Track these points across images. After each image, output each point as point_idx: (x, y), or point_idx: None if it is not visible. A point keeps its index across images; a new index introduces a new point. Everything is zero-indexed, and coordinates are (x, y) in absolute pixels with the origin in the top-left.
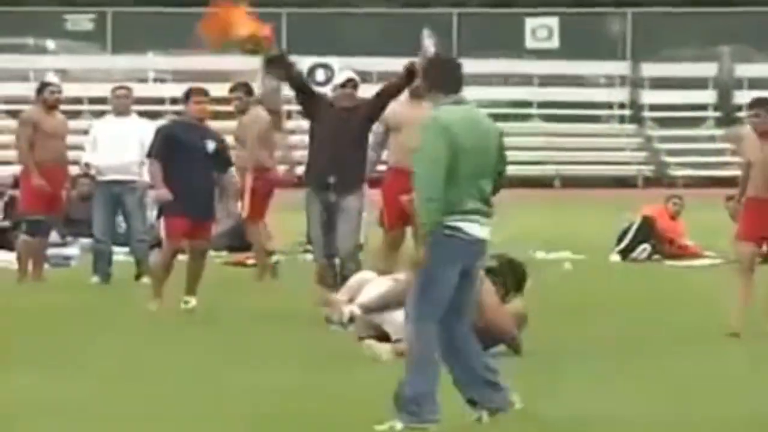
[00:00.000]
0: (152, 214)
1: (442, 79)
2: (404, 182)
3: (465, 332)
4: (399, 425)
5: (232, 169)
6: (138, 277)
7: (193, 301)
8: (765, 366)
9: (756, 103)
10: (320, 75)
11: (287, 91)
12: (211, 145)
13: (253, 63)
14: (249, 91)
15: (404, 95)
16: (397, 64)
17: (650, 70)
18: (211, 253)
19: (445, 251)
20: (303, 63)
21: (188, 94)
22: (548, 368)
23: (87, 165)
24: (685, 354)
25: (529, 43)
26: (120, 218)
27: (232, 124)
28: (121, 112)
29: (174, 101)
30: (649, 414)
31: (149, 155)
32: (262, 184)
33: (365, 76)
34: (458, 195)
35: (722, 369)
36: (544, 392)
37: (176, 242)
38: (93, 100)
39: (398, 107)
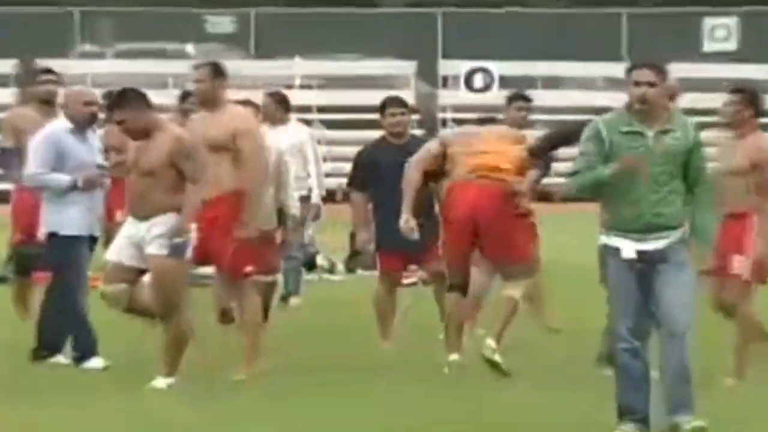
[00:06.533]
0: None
1: None
2: None
3: None
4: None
5: None
6: None
7: None
8: None
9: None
10: (478, 81)
11: (444, 98)
12: None
13: (405, 67)
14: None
15: None
16: (561, 69)
17: None
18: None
19: None
20: (460, 67)
21: (383, 106)
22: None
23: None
24: None
25: (707, 45)
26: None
27: None
28: None
29: (321, 109)
30: None
31: (349, 184)
32: None
33: (529, 82)
34: None
35: None
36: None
37: (393, 279)
38: None
39: None
